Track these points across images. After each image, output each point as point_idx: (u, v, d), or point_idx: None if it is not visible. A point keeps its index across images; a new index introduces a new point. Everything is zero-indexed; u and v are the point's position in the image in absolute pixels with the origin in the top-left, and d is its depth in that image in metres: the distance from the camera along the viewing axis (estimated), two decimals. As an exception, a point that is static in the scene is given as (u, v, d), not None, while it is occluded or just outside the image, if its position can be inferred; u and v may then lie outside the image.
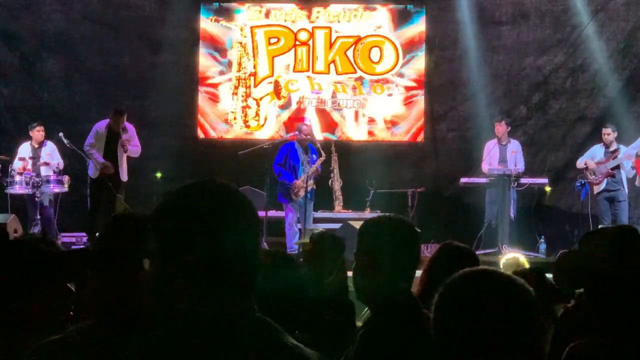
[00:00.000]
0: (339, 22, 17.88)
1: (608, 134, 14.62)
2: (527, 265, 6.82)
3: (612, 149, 14.61)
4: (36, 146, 14.99)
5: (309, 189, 13.91)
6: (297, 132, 14.30)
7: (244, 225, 2.19)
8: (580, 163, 14.85)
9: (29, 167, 14.66)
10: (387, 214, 3.74)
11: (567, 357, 3.39)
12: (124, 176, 14.54)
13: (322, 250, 6.51)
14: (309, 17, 17.92)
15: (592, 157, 14.76)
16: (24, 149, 14.95)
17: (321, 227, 13.57)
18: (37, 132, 14.99)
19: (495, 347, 2.18)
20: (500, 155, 15.04)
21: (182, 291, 2.12)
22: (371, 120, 17.90)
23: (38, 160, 14.83)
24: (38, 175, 14.56)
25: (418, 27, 17.85)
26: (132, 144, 14.63)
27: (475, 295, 2.22)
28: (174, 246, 2.12)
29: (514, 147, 15.13)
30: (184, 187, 2.24)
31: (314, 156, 14.17)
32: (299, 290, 3.89)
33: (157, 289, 2.15)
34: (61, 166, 14.96)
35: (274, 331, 2.19)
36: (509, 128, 15.19)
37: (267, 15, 17.96)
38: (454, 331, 2.22)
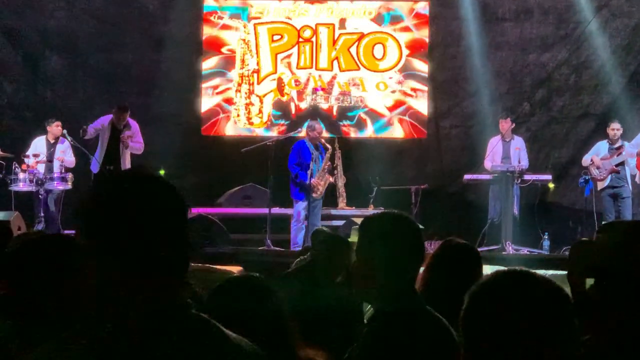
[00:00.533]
0: (340, 19, 17.87)
1: (617, 129, 14.56)
2: None
3: (616, 145, 14.57)
4: (52, 141, 14.96)
5: (327, 184, 13.96)
6: (309, 130, 14.28)
7: (169, 216, 2.21)
8: (586, 160, 14.79)
9: (42, 167, 14.64)
10: (389, 210, 3.71)
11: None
12: None
13: (328, 251, 6.52)
14: (312, 14, 17.90)
15: (596, 153, 14.72)
16: (39, 145, 14.93)
17: (324, 224, 13.58)
18: (55, 127, 14.95)
19: (529, 352, 2.14)
20: (504, 152, 15.02)
21: (116, 285, 2.08)
22: (374, 117, 17.88)
23: (52, 157, 14.81)
24: (50, 171, 14.57)
25: (422, 24, 17.84)
26: (135, 141, 14.62)
27: (512, 297, 2.18)
28: (104, 239, 2.09)
29: (518, 144, 15.10)
30: (111, 179, 2.27)
31: (325, 154, 14.19)
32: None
33: (91, 284, 2.12)
34: (71, 165, 14.95)
35: (213, 326, 2.19)
36: (513, 125, 15.17)
37: (270, 12, 17.95)
38: (486, 333, 2.18)
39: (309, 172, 13.73)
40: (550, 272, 11.46)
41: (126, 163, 14.59)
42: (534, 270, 2.27)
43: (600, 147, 14.77)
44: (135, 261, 2.08)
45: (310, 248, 7.26)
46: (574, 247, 3.93)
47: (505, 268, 2.31)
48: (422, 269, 4.66)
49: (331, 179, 14.16)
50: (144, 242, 2.09)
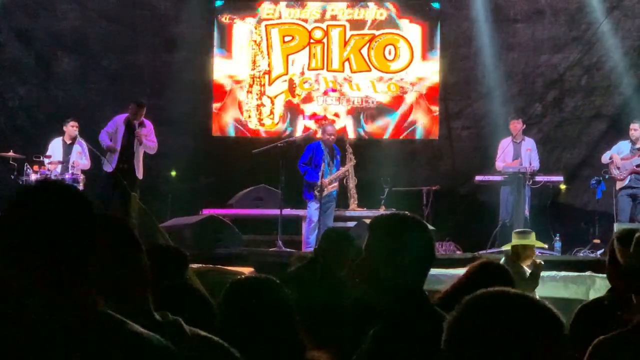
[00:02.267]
0: (352, 20, 17.87)
1: (635, 130, 14.47)
2: None
3: (638, 145, 14.48)
4: (68, 142, 14.97)
5: (332, 190, 13.93)
6: (322, 133, 14.28)
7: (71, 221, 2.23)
8: (605, 157, 14.68)
9: (58, 169, 14.66)
10: (398, 211, 3.73)
11: (592, 354, 3.33)
12: (140, 173, 14.51)
13: (331, 244, 6.54)
14: (323, 14, 17.92)
15: (618, 152, 14.62)
16: (55, 146, 14.95)
17: (336, 225, 13.58)
18: (71, 128, 14.95)
19: None
20: (515, 153, 14.98)
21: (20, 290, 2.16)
22: (385, 117, 17.88)
23: (68, 159, 14.82)
24: (65, 172, 14.59)
25: (433, 26, 17.83)
26: (149, 140, 14.61)
27: (498, 319, 2.06)
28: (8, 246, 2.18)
29: (529, 145, 15.05)
30: (21, 190, 2.33)
31: (338, 157, 14.17)
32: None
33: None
34: (86, 167, 14.95)
35: (118, 321, 2.22)
36: (524, 126, 15.13)
37: (281, 13, 17.97)
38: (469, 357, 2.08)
39: (320, 172, 13.72)
40: (562, 273, 11.47)
41: (140, 163, 14.57)
42: (515, 291, 2.16)
43: (622, 147, 14.66)
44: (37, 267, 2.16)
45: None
46: None
47: (498, 289, 2.17)
48: (449, 284, 4.66)
49: (337, 187, 14.10)
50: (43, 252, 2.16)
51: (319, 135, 14.88)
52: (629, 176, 14.38)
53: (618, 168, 14.44)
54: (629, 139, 14.61)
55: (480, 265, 4.74)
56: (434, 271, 10.45)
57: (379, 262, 3.42)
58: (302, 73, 17.96)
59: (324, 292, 5.88)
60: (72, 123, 14.95)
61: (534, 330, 2.04)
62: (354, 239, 6.74)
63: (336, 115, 17.85)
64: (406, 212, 3.71)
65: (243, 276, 3.74)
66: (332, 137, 14.08)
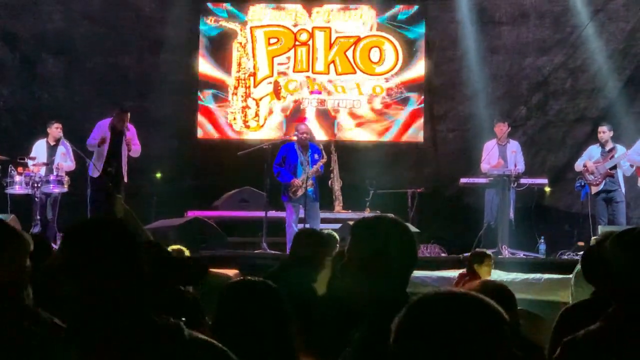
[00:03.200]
0: (337, 21, 17.88)
1: (603, 132, 14.50)
2: None
3: (608, 148, 14.53)
4: (52, 144, 14.93)
5: (308, 188, 13.79)
6: (295, 132, 14.25)
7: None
8: (579, 166, 14.74)
9: (42, 171, 14.61)
10: (381, 213, 3.76)
11: (563, 351, 3.37)
12: (126, 177, 14.52)
13: (301, 246, 6.55)
14: (309, 16, 17.93)
15: (589, 157, 14.69)
16: (39, 148, 14.90)
17: (321, 227, 13.56)
18: (55, 130, 14.90)
19: None
20: (500, 156, 15.01)
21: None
22: (371, 120, 17.90)
23: (53, 160, 14.79)
24: (50, 174, 14.56)
25: (418, 27, 17.86)
26: (134, 144, 14.60)
27: (441, 319, 2.07)
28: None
29: (514, 147, 15.07)
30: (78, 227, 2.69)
31: (316, 155, 14.06)
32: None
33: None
34: (70, 169, 14.92)
35: (179, 329, 2.54)
36: (509, 129, 15.15)
37: (267, 16, 17.97)
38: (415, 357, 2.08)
39: (296, 173, 13.70)
40: (546, 275, 11.50)
41: (126, 167, 14.57)
42: (461, 290, 2.18)
43: (592, 151, 14.72)
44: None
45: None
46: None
47: (441, 290, 2.20)
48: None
49: (313, 186, 13.95)
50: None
51: (289, 136, 14.85)
52: (604, 180, 14.44)
53: (592, 173, 14.49)
54: (598, 142, 14.68)
55: (480, 285, 4.70)
56: (418, 273, 10.47)
57: (361, 265, 3.43)
58: (287, 75, 17.96)
59: (296, 294, 5.88)
60: (56, 125, 14.90)
61: (476, 327, 2.05)
62: (327, 240, 6.74)
63: (324, 114, 17.83)
64: (388, 215, 3.73)
65: (239, 279, 3.73)
66: (305, 135, 13.95)
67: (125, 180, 14.50)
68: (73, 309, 2.52)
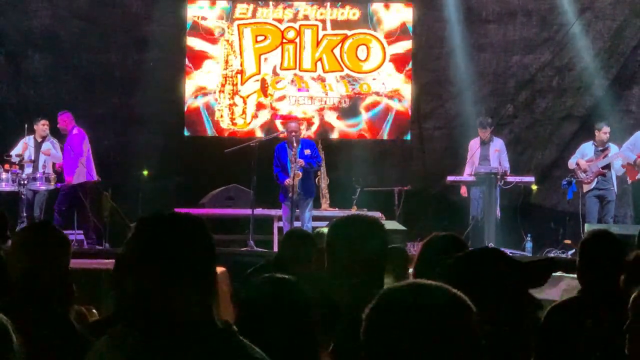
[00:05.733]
0: (325, 19, 17.87)
1: (605, 133, 14.54)
2: None
3: (601, 147, 14.57)
4: (39, 141, 14.92)
5: (296, 182, 13.72)
6: (284, 130, 14.26)
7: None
8: (572, 163, 14.77)
9: (29, 168, 14.61)
10: (359, 213, 3.81)
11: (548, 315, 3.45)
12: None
13: (290, 245, 6.55)
14: (296, 14, 17.92)
15: (582, 155, 14.72)
16: (28, 145, 14.89)
17: (314, 225, 13.55)
18: (42, 126, 14.91)
19: None
20: (482, 154, 15.03)
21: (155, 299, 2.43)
22: (357, 118, 17.89)
23: (39, 157, 14.79)
24: (36, 171, 14.57)
25: (404, 24, 17.86)
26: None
27: (407, 309, 2.11)
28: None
29: (497, 146, 15.10)
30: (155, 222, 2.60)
31: (307, 151, 14.02)
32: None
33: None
34: (58, 160, 14.93)
35: (237, 340, 2.50)
36: (491, 129, 15.18)
37: (254, 13, 17.95)
38: (385, 348, 2.11)
39: (287, 172, 13.72)
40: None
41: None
42: (428, 281, 2.20)
43: (586, 149, 14.76)
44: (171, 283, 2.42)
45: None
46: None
47: (406, 281, 2.28)
48: (411, 270, 4.66)
49: (300, 176, 13.91)
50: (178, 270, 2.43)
51: (278, 133, 14.88)
52: (596, 178, 14.47)
53: (584, 171, 14.52)
54: (593, 140, 14.72)
55: (432, 243, 4.68)
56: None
57: (339, 264, 3.46)
58: (275, 73, 17.95)
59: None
60: (42, 122, 14.90)
61: (441, 316, 2.09)
62: (310, 239, 6.74)
63: (307, 114, 17.82)
64: (364, 214, 3.80)
65: (264, 276, 3.70)
66: (295, 133, 13.97)
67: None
68: (130, 306, 2.46)
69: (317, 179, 14.89)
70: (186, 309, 2.41)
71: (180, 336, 2.40)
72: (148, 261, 2.42)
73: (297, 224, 13.76)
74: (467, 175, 14.93)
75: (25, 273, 3.78)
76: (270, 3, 17.96)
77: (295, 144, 13.84)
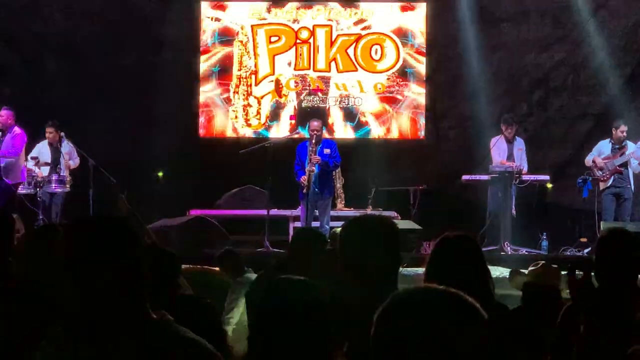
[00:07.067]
0: (338, 21, 17.89)
1: (623, 132, 14.50)
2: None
3: (619, 145, 14.51)
4: (53, 145, 14.98)
5: (310, 177, 13.67)
6: (298, 131, 14.26)
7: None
8: (588, 161, 14.72)
9: (45, 171, 14.66)
10: (371, 213, 3.81)
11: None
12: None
13: (300, 245, 6.54)
14: (309, 15, 17.93)
15: (599, 152, 14.67)
16: (43, 149, 14.91)
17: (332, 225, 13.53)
18: (48, 133, 14.96)
19: None
20: (509, 152, 14.98)
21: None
22: (372, 118, 17.89)
23: (56, 160, 14.83)
24: (53, 173, 14.63)
25: (418, 24, 17.86)
26: None
27: (418, 314, 2.11)
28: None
29: (520, 145, 15.06)
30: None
31: (326, 150, 13.97)
32: None
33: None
34: (75, 165, 15.00)
35: (177, 328, 2.61)
36: (516, 127, 15.15)
37: (268, 14, 17.97)
38: (393, 351, 2.11)
39: (303, 169, 13.72)
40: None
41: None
42: (440, 287, 2.19)
43: (603, 147, 14.70)
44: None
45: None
46: None
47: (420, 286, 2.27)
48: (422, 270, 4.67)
49: (313, 169, 13.86)
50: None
51: (295, 134, 14.86)
52: (612, 176, 14.43)
53: (601, 169, 14.47)
54: (610, 138, 14.66)
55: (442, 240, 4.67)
56: (420, 270, 10.39)
57: (350, 265, 3.47)
58: (289, 73, 17.97)
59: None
60: (48, 129, 14.95)
61: (452, 322, 2.09)
62: (326, 239, 6.73)
63: (326, 112, 17.82)
64: (377, 214, 3.80)
65: (282, 277, 3.70)
66: (316, 132, 13.93)
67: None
68: (70, 306, 2.55)
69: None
70: (112, 307, 2.51)
71: (108, 333, 2.51)
72: (66, 266, 2.54)
73: (315, 224, 13.76)
74: (497, 160, 14.80)
75: None
76: (284, 3, 17.98)
77: (315, 143, 13.81)
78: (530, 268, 6.87)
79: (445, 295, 2.15)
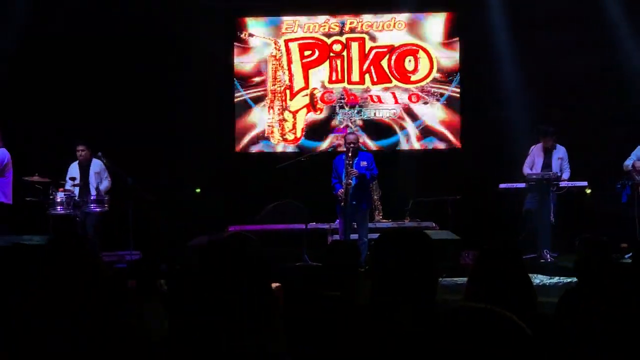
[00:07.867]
0: (371, 32, 17.92)
1: None
2: None
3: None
4: (84, 164, 15.09)
5: (348, 190, 13.72)
6: (334, 144, 14.29)
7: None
8: (627, 165, 14.65)
9: (76, 191, 14.77)
10: (404, 227, 3.82)
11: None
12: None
13: (334, 258, 6.56)
14: (342, 27, 17.99)
15: (637, 157, 14.60)
16: (74, 169, 15.07)
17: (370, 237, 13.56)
18: (76, 152, 15.10)
19: None
20: (545, 161, 14.92)
21: None
22: (407, 129, 17.89)
23: (86, 182, 14.93)
24: (87, 194, 14.71)
25: (452, 34, 17.85)
26: None
27: (467, 333, 2.12)
28: None
29: (560, 154, 15.00)
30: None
31: (363, 162, 14.01)
32: None
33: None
34: (106, 189, 15.06)
35: None
36: (555, 137, 15.09)
37: (300, 28, 18.04)
38: None
39: (340, 182, 13.74)
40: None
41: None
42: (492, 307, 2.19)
43: None
44: None
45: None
46: None
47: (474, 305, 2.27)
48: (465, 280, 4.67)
49: (350, 182, 13.90)
50: None
51: (334, 146, 14.89)
52: (651, 180, 14.35)
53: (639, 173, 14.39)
54: None
55: (483, 252, 4.66)
56: (460, 280, 10.39)
57: (383, 277, 3.47)
58: (323, 87, 18.01)
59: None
60: (79, 147, 15.08)
61: (498, 341, 2.09)
62: (354, 251, 6.74)
63: (362, 125, 17.85)
64: (410, 227, 3.81)
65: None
66: (352, 145, 13.97)
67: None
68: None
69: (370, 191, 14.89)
70: None
71: None
72: None
73: (354, 236, 13.78)
74: (526, 170, 14.79)
75: None
76: (316, 17, 18.04)
77: (352, 156, 13.86)
78: None
79: (492, 315, 2.15)
